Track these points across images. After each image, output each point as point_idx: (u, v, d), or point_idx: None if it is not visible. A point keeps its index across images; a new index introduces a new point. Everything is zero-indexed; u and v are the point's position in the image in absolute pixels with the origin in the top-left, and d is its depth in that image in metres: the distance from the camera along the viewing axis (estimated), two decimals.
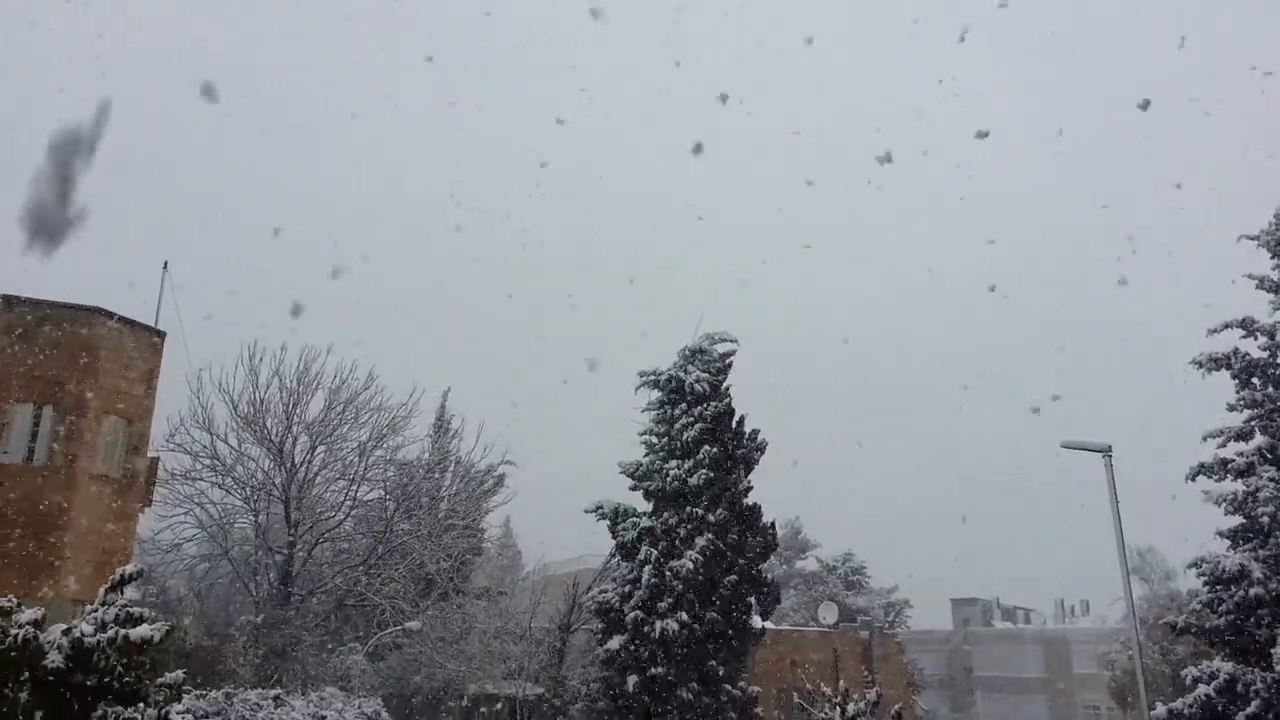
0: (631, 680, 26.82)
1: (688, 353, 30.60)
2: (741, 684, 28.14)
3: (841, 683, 21.72)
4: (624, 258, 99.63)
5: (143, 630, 11.19)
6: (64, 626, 11.22)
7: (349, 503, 33.21)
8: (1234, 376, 25.48)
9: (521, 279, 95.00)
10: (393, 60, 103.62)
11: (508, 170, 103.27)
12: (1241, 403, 25.34)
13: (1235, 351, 25.50)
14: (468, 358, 73.61)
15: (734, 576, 28.24)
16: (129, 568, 12.36)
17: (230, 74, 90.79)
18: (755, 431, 30.12)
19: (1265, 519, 23.77)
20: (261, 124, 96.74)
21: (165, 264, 26.73)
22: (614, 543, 29.94)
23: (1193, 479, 25.22)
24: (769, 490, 30.30)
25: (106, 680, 11.13)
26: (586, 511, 29.79)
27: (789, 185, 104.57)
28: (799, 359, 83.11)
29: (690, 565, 27.52)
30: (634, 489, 29.81)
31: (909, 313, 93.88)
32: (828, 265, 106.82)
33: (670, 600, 27.49)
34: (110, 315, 24.15)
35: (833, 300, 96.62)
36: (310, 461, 32.07)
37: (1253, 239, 26.04)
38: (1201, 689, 23.46)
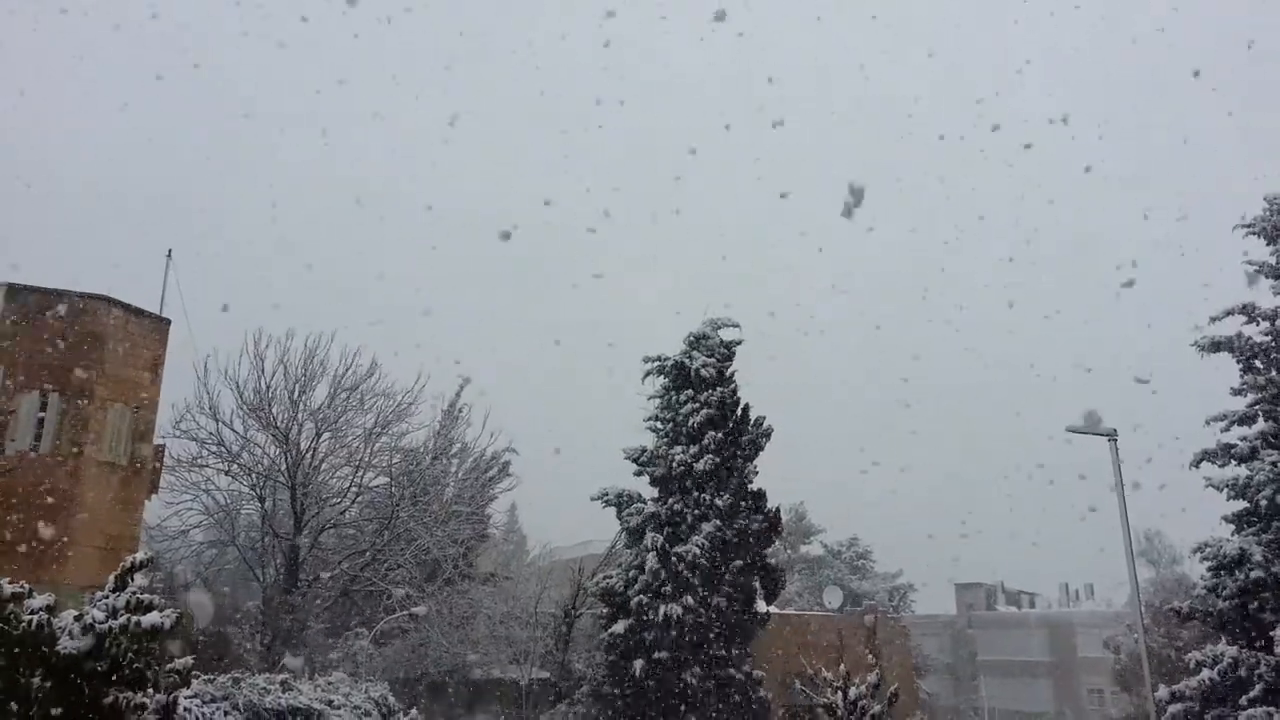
0: (636, 664, 26.96)
1: (693, 338, 30.62)
2: (746, 668, 28.28)
3: (843, 666, 21.81)
4: (638, 239, 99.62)
5: (154, 617, 11.26)
6: (76, 613, 11.32)
7: (354, 489, 33.31)
8: (1237, 361, 25.51)
9: (528, 267, 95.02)
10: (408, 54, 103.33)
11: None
12: (1245, 387, 25.36)
13: (1238, 336, 25.52)
14: (470, 347, 73.68)
15: (739, 561, 28.35)
16: (139, 555, 12.43)
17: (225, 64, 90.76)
18: (761, 417, 30.18)
19: (1264, 503, 23.84)
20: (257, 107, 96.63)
21: (169, 252, 26.77)
22: (619, 528, 30.06)
23: (1196, 465, 25.28)
24: (774, 475, 30.42)
25: (116, 666, 11.23)
26: (593, 499, 29.90)
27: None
28: (805, 343, 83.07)
29: (695, 550, 27.63)
30: (638, 474, 29.90)
31: (912, 300, 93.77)
32: (836, 258, 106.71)
33: (675, 585, 27.60)
34: (115, 303, 24.20)
35: (838, 287, 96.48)
36: (316, 448, 32.14)
37: (1247, 227, 26.09)
38: (1205, 673, 23.55)
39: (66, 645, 10.87)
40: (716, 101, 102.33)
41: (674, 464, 28.85)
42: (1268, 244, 25.89)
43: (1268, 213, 25.91)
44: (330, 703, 19.87)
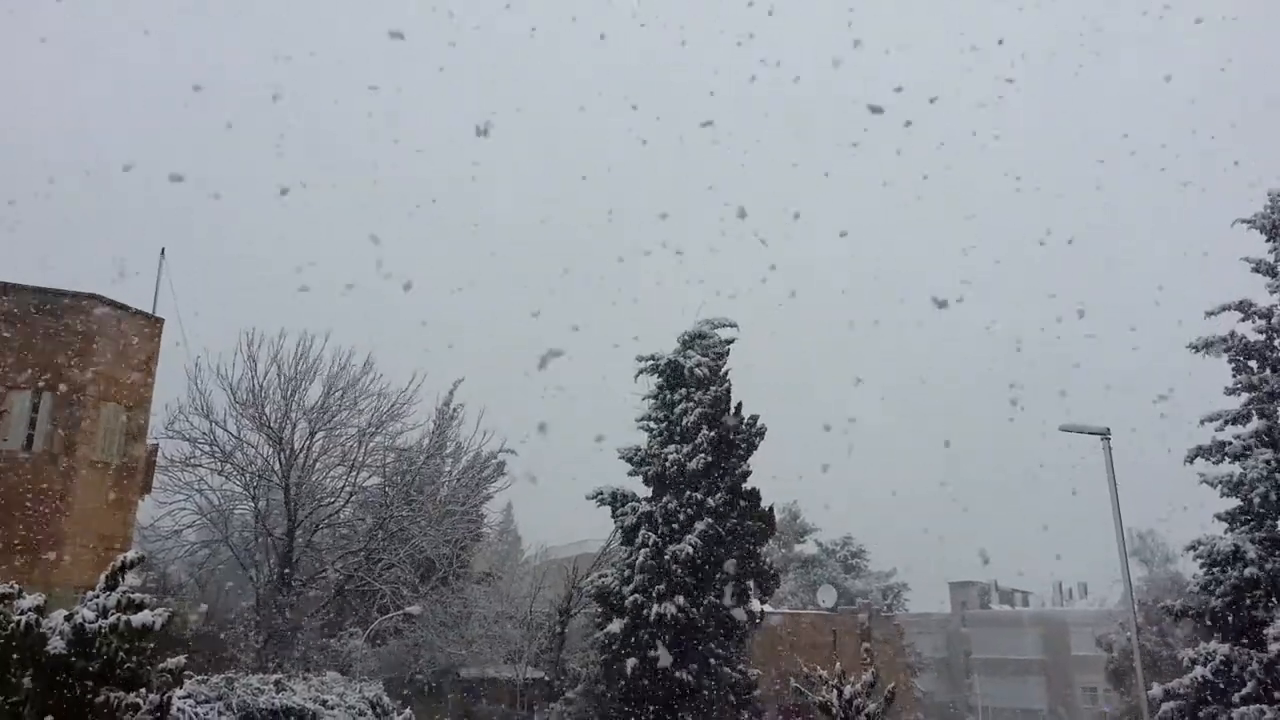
0: (630, 664, 26.94)
1: (687, 337, 30.59)
2: (740, 667, 28.28)
3: (838, 665, 21.76)
4: (629, 240, 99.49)
5: (144, 616, 11.20)
6: (66, 613, 11.26)
7: (348, 489, 33.26)
8: (1230, 360, 25.49)
9: (525, 266, 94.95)
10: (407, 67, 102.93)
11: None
12: (1239, 386, 25.36)
13: (1232, 334, 25.50)
14: (465, 340, 73.62)
15: (733, 560, 28.33)
16: (130, 554, 12.36)
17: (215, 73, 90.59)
18: (754, 416, 30.15)
19: (1257, 500, 23.89)
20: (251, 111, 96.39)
21: (162, 251, 26.67)
22: (614, 527, 30.04)
23: (1190, 462, 25.28)
24: (768, 474, 30.39)
25: (108, 666, 11.17)
26: (588, 498, 29.88)
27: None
28: (801, 345, 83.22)
29: (689, 550, 27.61)
30: (633, 474, 29.89)
31: (907, 300, 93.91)
32: (830, 250, 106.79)
33: (669, 584, 27.59)
34: (107, 302, 24.13)
35: (836, 284, 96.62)
36: (309, 448, 32.08)
37: (1248, 223, 26.02)
38: (1198, 670, 23.57)
39: (56, 645, 10.82)
40: (730, 101, 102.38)
41: (667, 463, 28.83)
42: (1267, 240, 25.80)
43: (1269, 209, 25.82)
44: (324, 703, 19.83)
